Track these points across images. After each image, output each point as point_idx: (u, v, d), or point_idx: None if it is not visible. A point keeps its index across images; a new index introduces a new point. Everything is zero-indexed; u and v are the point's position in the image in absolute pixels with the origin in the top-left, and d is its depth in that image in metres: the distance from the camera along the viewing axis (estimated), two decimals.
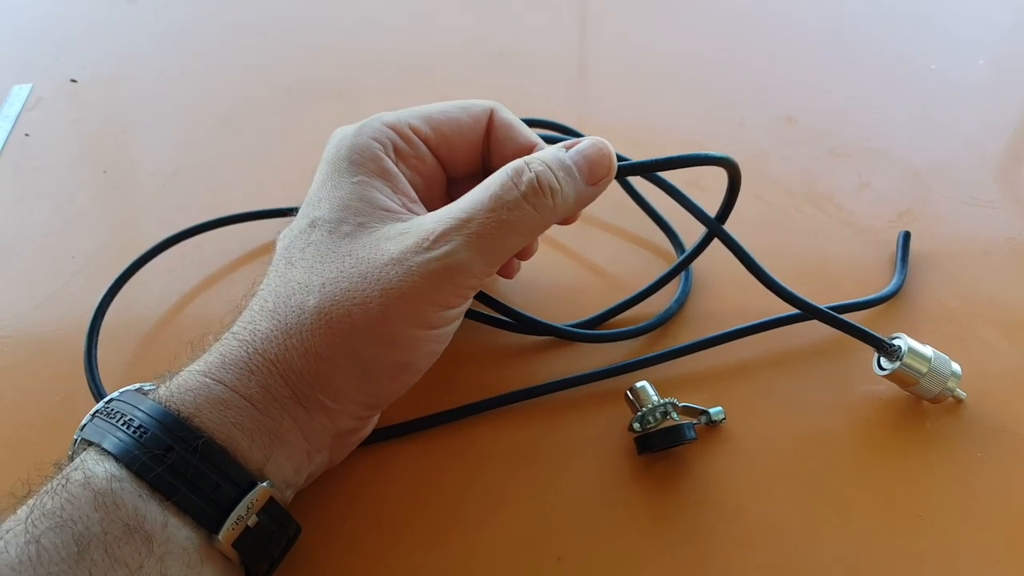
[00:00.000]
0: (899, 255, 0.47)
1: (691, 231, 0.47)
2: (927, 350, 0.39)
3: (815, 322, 0.41)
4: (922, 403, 0.40)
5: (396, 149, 0.36)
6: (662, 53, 0.68)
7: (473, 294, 0.35)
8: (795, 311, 0.41)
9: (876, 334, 0.40)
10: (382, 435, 0.38)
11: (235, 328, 0.33)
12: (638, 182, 0.51)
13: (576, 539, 0.35)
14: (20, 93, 0.64)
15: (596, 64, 0.68)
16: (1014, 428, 0.39)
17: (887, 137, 0.58)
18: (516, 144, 0.38)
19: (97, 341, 0.42)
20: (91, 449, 0.30)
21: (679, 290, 0.45)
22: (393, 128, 0.36)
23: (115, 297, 0.44)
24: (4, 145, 0.58)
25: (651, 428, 0.37)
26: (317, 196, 0.35)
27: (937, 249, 0.48)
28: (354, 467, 0.38)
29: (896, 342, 0.39)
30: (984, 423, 0.40)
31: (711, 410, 0.39)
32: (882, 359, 0.40)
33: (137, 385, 0.33)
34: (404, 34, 0.72)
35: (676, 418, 0.37)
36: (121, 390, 0.33)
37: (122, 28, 0.73)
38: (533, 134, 0.39)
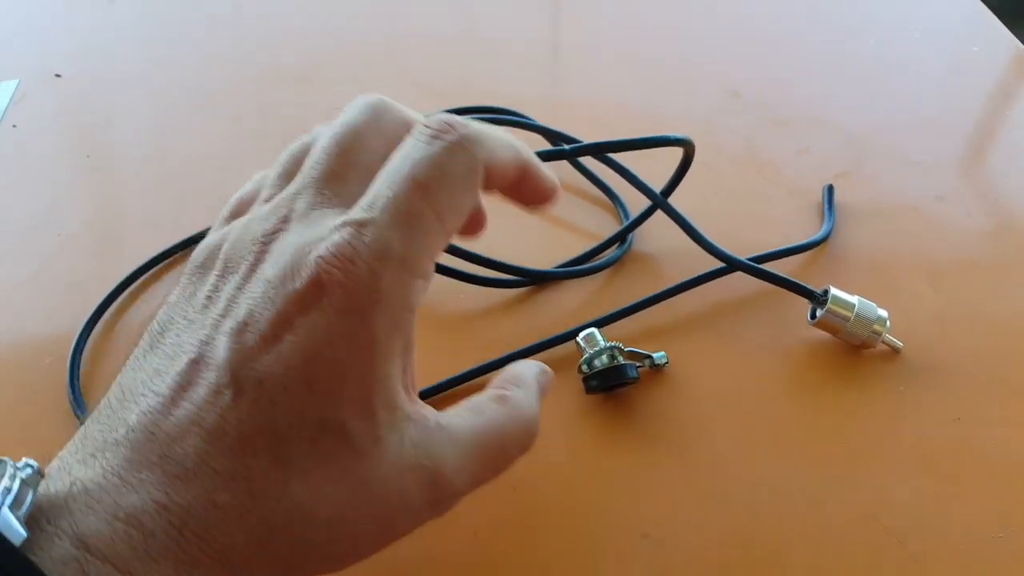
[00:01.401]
0: (826, 205, 0.51)
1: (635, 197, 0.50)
2: (852, 298, 0.42)
3: (754, 279, 0.45)
4: (858, 350, 0.43)
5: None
6: (614, 33, 0.72)
7: None
8: (722, 265, 0.45)
9: (800, 282, 0.43)
10: None
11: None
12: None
13: (530, 471, 0.38)
14: (7, 88, 0.67)
15: (557, 47, 0.72)
16: (937, 367, 0.42)
17: (826, 107, 0.61)
18: (506, 177, 0.30)
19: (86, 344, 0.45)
20: None
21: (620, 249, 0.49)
22: (424, 278, 0.27)
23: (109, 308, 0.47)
24: None
25: (597, 369, 0.40)
26: (334, 391, 0.25)
27: (869, 206, 0.52)
28: None
29: (823, 291, 0.43)
30: (911, 364, 0.43)
31: (654, 354, 0.42)
32: (816, 309, 0.43)
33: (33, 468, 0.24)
34: (374, 19, 0.76)
35: (621, 360, 0.40)
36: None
37: (103, 25, 0.77)
38: (517, 152, 0.30)
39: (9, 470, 0.22)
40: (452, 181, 0.27)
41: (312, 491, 0.25)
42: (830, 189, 0.52)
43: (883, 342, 0.43)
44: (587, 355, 0.40)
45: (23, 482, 0.22)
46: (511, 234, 0.49)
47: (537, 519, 0.37)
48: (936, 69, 0.67)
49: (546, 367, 0.35)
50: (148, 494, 0.23)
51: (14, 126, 0.63)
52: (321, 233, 0.26)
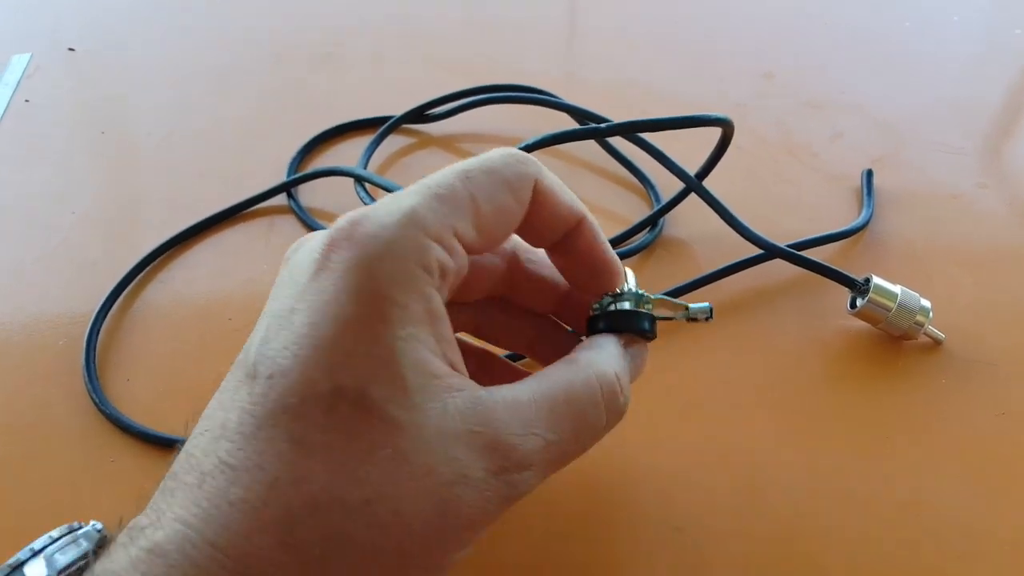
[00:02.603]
0: (864, 191, 0.49)
1: (667, 180, 0.49)
2: (895, 287, 0.41)
3: (792, 266, 0.43)
4: (899, 340, 0.42)
5: (443, 273, 0.25)
6: (646, 14, 0.70)
7: None
8: (759, 252, 0.43)
9: (841, 270, 0.42)
10: None
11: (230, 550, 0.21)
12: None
13: None
14: (20, 62, 0.66)
15: (584, 25, 0.70)
16: (978, 358, 0.41)
17: (862, 91, 0.60)
18: (559, 217, 0.28)
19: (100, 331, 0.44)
20: None
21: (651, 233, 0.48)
22: (441, 242, 0.25)
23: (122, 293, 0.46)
24: (5, 111, 0.60)
25: (605, 310, 0.31)
26: (344, 349, 0.23)
27: (907, 193, 0.50)
28: None
29: (864, 280, 0.41)
30: (953, 356, 0.41)
31: (692, 305, 0.32)
32: (857, 299, 0.42)
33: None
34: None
35: (645, 309, 0.31)
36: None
37: None
38: (574, 199, 0.29)
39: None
40: (496, 177, 0.26)
41: (335, 471, 0.22)
42: (869, 174, 0.50)
43: (925, 333, 0.41)
44: (607, 297, 0.31)
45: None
46: None
47: (566, 511, 0.35)
48: (975, 53, 0.65)
49: (637, 337, 0.30)
50: (174, 516, 0.22)
51: (27, 101, 0.62)
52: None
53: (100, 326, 0.43)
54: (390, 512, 0.22)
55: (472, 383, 0.25)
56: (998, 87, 0.60)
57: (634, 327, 0.30)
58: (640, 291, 0.31)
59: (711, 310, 0.32)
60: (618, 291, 0.31)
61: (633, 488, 0.36)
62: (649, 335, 0.31)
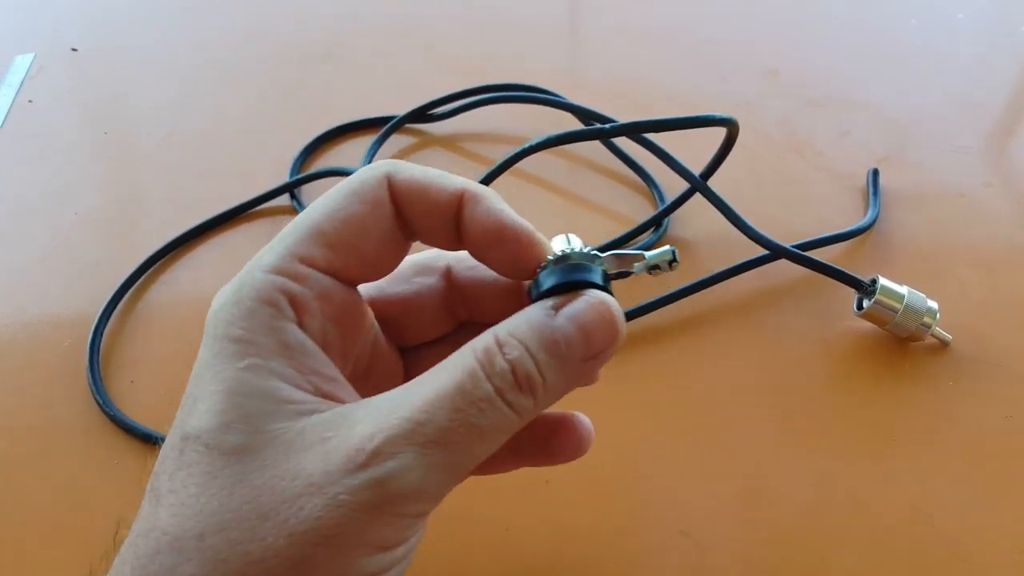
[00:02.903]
0: (870, 191, 0.49)
1: (671, 180, 0.48)
2: (902, 288, 0.41)
3: (797, 266, 0.43)
4: (905, 342, 0.42)
5: (295, 302, 0.24)
6: (649, 12, 0.70)
7: (425, 521, 0.24)
8: (764, 252, 0.43)
9: (847, 271, 0.41)
10: None
11: None
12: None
13: (564, 466, 0.37)
14: (23, 62, 0.66)
15: (587, 23, 0.70)
16: (986, 359, 0.41)
17: (867, 89, 0.59)
18: (434, 203, 0.26)
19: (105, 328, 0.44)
20: None
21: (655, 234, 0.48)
22: (282, 273, 0.24)
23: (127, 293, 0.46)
24: (8, 111, 0.60)
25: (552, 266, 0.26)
26: (192, 395, 0.23)
27: (914, 192, 0.50)
28: None
29: (870, 281, 0.41)
30: (960, 358, 0.41)
31: (650, 253, 0.26)
32: (863, 300, 0.42)
33: None
34: None
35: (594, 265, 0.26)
36: None
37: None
38: (453, 179, 0.26)
39: None
40: (336, 192, 0.25)
41: (175, 513, 0.22)
42: (875, 173, 0.50)
43: (931, 335, 0.41)
44: (544, 264, 0.26)
45: None
46: (540, 217, 0.47)
47: (572, 514, 0.35)
48: (980, 51, 0.64)
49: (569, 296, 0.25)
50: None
51: (30, 101, 0.61)
52: None
53: (104, 327, 0.43)
54: (225, 543, 0.21)
55: (345, 404, 0.24)
56: (1004, 85, 0.60)
57: (562, 284, 0.25)
58: (585, 249, 0.26)
59: (674, 253, 0.26)
60: (559, 254, 0.25)
61: (639, 491, 0.36)
62: (583, 283, 0.25)
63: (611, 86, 0.60)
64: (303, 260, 0.24)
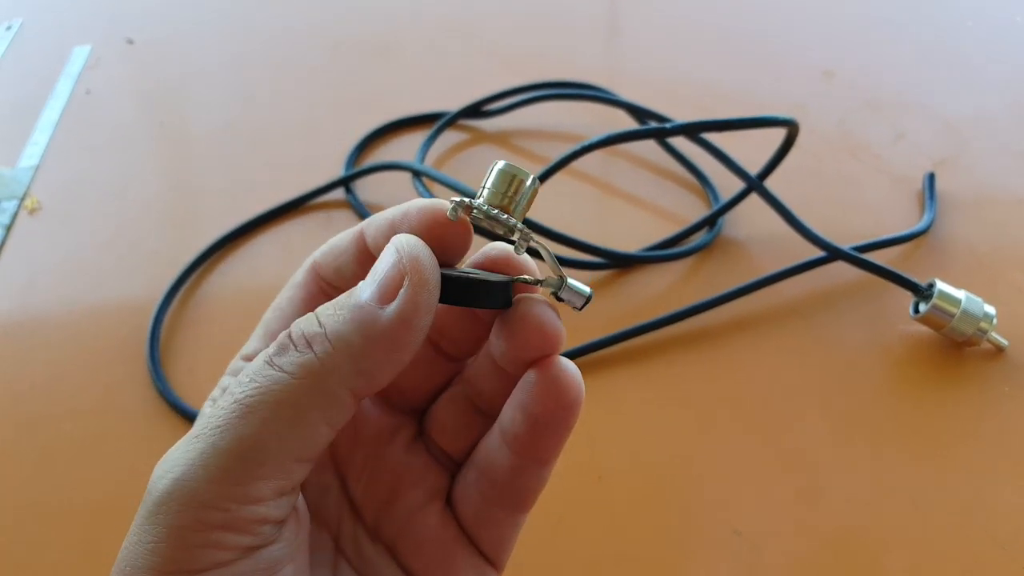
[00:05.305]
0: (927, 195, 0.48)
1: (725, 180, 0.48)
2: (959, 292, 0.40)
3: (853, 268, 0.43)
4: (961, 346, 0.41)
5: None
6: (701, 8, 0.70)
7: (295, 497, 0.21)
8: (821, 253, 0.43)
9: (905, 275, 0.41)
10: None
11: None
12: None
13: (617, 461, 0.37)
14: (80, 54, 0.67)
15: (631, 20, 0.69)
16: None
17: (924, 91, 0.59)
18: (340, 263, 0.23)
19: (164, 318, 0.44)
20: None
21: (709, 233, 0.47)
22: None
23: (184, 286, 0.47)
24: (68, 101, 0.61)
25: (462, 274, 0.21)
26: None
27: (970, 197, 0.49)
28: None
29: (927, 285, 0.41)
30: (1016, 363, 0.41)
31: (572, 281, 0.22)
32: (920, 303, 0.41)
33: None
34: None
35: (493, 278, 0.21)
36: None
37: None
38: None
39: None
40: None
41: None
42: (931, 177, 0.49)
43: (988, 340, 0.41)
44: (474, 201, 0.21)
45: None
46: (594, 214, 0.47)
47: (623, 510, 0.35)
48: None
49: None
50: None
51: (88, 92, 0.63)
52: None
53: (164, 316, 0.43)
54: None
55: None
56: None
57: (486, 299, 0.21)
58: (515, 222, 0.21)
59: (589, 298, 0.22)
60: (486, 200, 0.21)
61: (692, 489, 0.36)
62: (504, 307, 0.22)
63: (662, 85, 0.60)
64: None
